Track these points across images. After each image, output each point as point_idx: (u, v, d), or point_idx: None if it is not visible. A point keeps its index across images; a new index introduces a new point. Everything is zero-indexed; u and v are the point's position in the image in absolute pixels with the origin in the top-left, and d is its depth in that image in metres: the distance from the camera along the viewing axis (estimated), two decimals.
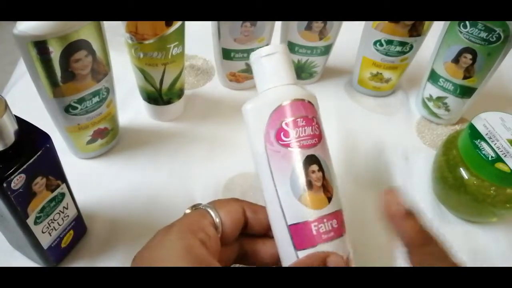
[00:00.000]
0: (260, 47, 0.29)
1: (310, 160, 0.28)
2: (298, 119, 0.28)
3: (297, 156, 0.28)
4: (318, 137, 0.29)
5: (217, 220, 0.28)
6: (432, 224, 0.25)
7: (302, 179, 0.27)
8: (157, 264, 0.25)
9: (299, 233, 0.28)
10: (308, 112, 0.28)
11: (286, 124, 0.28)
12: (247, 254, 0.31)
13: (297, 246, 0.28)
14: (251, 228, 0.31)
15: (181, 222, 0.28)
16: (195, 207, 0.30)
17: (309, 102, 0.29)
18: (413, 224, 0.24)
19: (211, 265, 0.26)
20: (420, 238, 0.24)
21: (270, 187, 0.28)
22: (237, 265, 0.32)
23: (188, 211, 0.30)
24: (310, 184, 0.27)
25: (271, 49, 0.29)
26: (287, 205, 0.28)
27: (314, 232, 0.28)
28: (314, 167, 0.28)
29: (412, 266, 0.25)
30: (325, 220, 0.28)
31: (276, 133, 0.28)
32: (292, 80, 0.30)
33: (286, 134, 0.28)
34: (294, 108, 0.28)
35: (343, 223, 0.29)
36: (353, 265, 0.29)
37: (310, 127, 0.28)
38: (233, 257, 0.31)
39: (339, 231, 0.28)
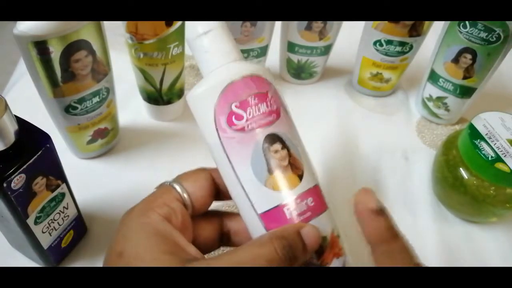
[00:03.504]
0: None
1: (271, 140, 0.26)
2: (249, 98, 0.25)
3: (254, 138, 0.25)
4: (276, 112, 0.26)
5: (183, 194, 0.27)
6: (398, 226, 0.25)
7: (264, 162, 0.25)
8: (126, 257, 0.24)
9: (272, 220, 0.26)
10: (260, 88, 0.26)
11: (237, 106, 0.25)
12: (230, 233, 0.30)
13: None
14: (225, 195, 0.29)
15: (142, 201, 0.26)
16: (160, 185, 0.29)
17: (259, 76, 0.26)
18: (382, 222, 0.24)
19: (175, 239, 0.24)
20: (386, 236, 0.24)
21: (232, 178, 0.26)
22: (224, 249, 0.31)
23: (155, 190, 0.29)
24: (274, 165, 0.26)
25: (207, 26, 0.27)
26: (253, 193, 0.26)
27: (288, 216, 0.26)
28: (277, 146, 0.26)
29: (373, 264, 0.25)
30: (298, 200, 0.26)
31: (227, 118, 0.25)
32: (237, 56, 0.27)
33: (238, 117, 0.25)
34: (243, 86, 0.26)
35: (322, 199, 0.27)
36: (343, 244, 0.27)
37: (265, 103, 0.26)
38: (215, 237, 0.29)
39: (317, 209, 0.26)
